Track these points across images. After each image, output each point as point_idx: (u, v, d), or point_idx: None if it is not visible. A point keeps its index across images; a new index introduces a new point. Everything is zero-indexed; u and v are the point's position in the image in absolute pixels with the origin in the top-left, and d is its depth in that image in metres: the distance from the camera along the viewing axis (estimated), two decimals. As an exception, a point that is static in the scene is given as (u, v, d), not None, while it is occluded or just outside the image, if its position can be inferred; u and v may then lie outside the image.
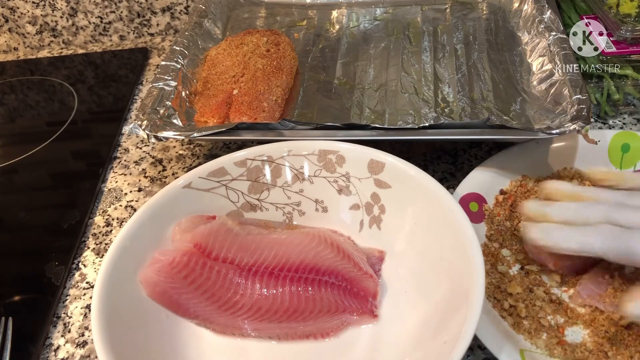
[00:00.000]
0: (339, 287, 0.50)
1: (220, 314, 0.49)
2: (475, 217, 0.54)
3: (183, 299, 0.49)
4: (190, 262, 0.50)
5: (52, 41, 0.95)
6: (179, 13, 0.92)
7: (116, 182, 0.68)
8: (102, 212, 0.65)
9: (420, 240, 0.50)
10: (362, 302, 0.50)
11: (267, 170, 0.55)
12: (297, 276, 0.50)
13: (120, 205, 0.65)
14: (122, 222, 0.63)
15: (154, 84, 0.66)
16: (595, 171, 0.52)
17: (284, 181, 0.56)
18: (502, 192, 0.57)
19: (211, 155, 0.69)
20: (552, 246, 0.47)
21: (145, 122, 0.60)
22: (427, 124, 0.57)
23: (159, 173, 0.69)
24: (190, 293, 0.49)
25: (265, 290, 0.49)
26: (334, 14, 0.83)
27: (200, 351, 0.48)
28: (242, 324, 0.49)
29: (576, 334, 0.46)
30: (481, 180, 0.56)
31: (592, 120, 0.66)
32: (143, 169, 0.70)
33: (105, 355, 0.41)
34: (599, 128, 0.67)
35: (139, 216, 0.50)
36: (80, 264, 0.59)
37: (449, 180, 0.62)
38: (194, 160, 0.70)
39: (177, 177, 0.54)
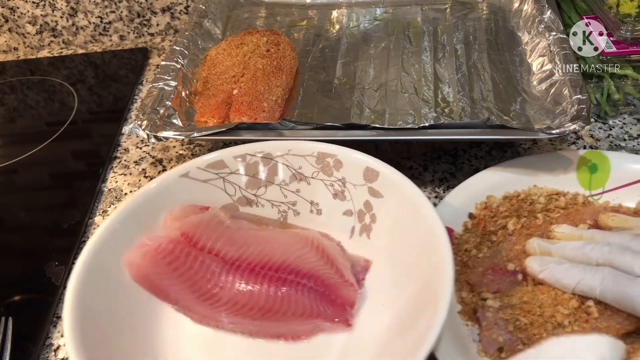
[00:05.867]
0: (316, 292, 0.49)
1: (200, 304, 0.50)
2: None
3: (165, 284, 0.50)
4: (175, 250, 0.50)
5: (52, 41, 0.95)
6: (179, 13, 0.92)
7: (116, 182, 0.68)
8: (102, 212, 0.65)
9: (404, 253, 0.49)
10: (338, 309, 0.49)
11: (266, 167, 0.55)
12: (277, 276, 0.50)
13: (120, 205, 0.65)
14: (122, 222, 0.63)
15: (154, 84, 0.66)
16: (615, 218, 0.51)
17: (282, 179, 0.56)
18: (470, 217, 0.56)
19: (211, 155, 0.69)
20: (550, 280, 0.46)
21: (145, 122, 0.60)
22: (427, 124, 0.57)
23: (159, 173, 0.69)
24: (172, 280, 0.50)
25: (244, 285, 0.49)
26: (334, 14, 0.83)
27: (177, 336, 0.49)
28: (219, 316, 0.49)
29: None
30: (448, 210, 0.55)
31: (592, 120, 0.66)
32: (143, 169, 0.70)
33: (71, 329, 0.42)
34: (599, 128, 0.67)
35: (133, 200, 0.51)
36: (80, 264, 0.59)
37: (449, 180, 0.62)
38: (194, 160, 0.70)
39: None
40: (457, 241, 0.54)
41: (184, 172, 0.54)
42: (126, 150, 0.73)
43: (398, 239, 0.50)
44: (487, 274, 0.50)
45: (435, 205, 0.56)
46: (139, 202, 0.51)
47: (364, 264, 0.52)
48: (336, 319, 0.48)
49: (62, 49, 0.95)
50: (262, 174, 0.55)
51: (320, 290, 0.49)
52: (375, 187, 0.52)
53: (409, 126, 0.58)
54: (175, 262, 0.50)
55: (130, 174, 0.69)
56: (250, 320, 0.49)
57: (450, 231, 0.54)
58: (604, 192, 0.56)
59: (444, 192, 0.61)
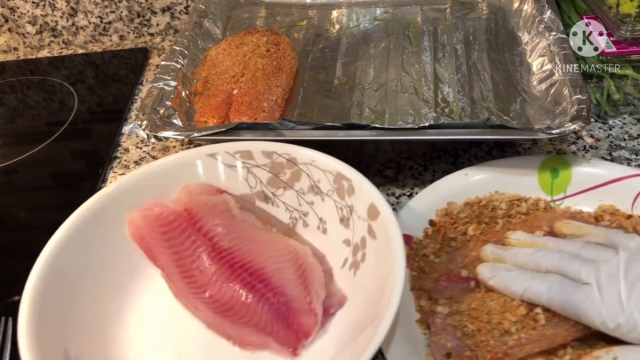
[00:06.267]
0: (277, 311, 0.49)
1: (179, 279, 0.51)
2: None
3: (156, 250, 0.52)
4: (173, 223, 0.53)
5: (52, 41, 0.95)
6: (179, 13, 0.92)
7: (116, 182, 0.68)
8: (102, 212, 0.65)
9: (372, 297, 0.47)
10: (291, 335, 0.48)
11: (289, 171, 0.55)
12: (248, 280, 0.50)
13: (120, 205, 0.65)
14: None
15: (154, 84, 0.66)
16: (569, 225, 0.51)
17: (301, 187, 0.55)
18: (431, 224, 0.56)
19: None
20: (500, 287, 0.46)
21: (145, 122, 0.60)
22: (427, 124, 0.57)
23: (159, 173, 0.69)
24: (163, 248, 0.52)
25: (218, 278, 0.50)
26: (334, 14, 0.83)
27: (152, 300, 0.52)
28: (190, 296, 0.51)
29: None
30: (410, 217, 0.55)
31: (592, 120, 0.66)
32: (143, 169, 0.70)
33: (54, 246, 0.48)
34: (599, 128, 0.67)
35: (157, 165, 0.55)
36: (80, 264, 0.59)
37: (449, 180, 0.62)
38: (194, 160, 0.70)
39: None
40: (416, 246, 0.53)
41: (212, 152, 0.55)
42: (126, 150, 0.73)
43: (373, 282, 0.48)
44: (440, 280, 0.50)
45: (396, 211, 0.57)
46: (161, 168, 0.55)
47: (340, 300, 0.50)
48: (285, 344, 0.47)
49: (62, 49, 0.95)
50: (285, 175, 0.55)
51: (281, 310, 0.49)
52: (374, 227, 0.50)
53: (409, 126, 0.58)
54: (170, 233, 0.52)
55: (130, 174, 0.69)
56: (210, 312, 0.50)
57: (409, 237, 0.54)
58: (565, 197, 0.56)
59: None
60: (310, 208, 0.55)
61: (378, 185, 0.63)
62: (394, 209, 0.59)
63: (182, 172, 0.55)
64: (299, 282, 0.50)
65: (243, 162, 0.56)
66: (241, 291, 0.49)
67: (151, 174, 0.55)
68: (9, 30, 0.93)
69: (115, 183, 0.53)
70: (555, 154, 0.62)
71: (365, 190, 0.51)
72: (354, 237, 0.52)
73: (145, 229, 0.53)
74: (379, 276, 0.47)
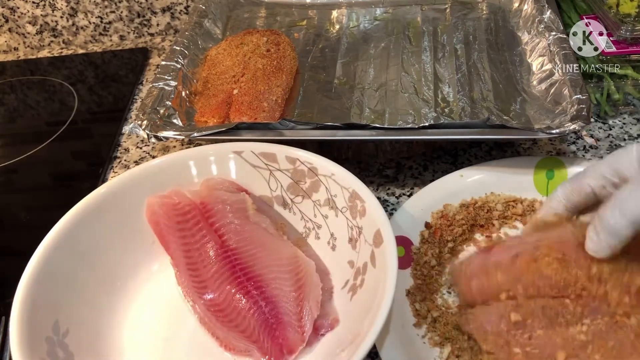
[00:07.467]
0: (266, 321, 0.48)
1: (184, 270, 0.52)
2: (401, 262, 0.51)
3: (168, 237, 0.54)
4: (188, 215, 0.54)
5: (52, 41, 0.95)
6: (179, 13, 0.92)
7: (116, 182, 0.68)
8: (102, 212, 0.65)
9: (357, 330, 0.45)
10: (275, 348, 0.47)
11: (310, 180, 0.55)
12: (245, 284, 0.50)
13: (120, 205, 0.65)
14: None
15: (154, 84, 0.66)
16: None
17: (318, 198, 0.55)
18: (427, 226, 0.55)
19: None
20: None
21: (145, 122, 0.61)
22: (427, 124, 0.57)
23: (159, 173, 0.69)
24: (174, 237, 0.53)
25: (220, 279, 0.50)
26: (334, 14, 0.83)
27: (159, 284, 0.54)
28: (191, 289, 0.51)
29: None
30: (405, 219, 0.55)
31: (592, 120, 0.66)
32: (143, 169, 0.70)
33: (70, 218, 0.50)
34: (599, 128, 0.67)
35: (182, 154, 0.56)
36: (80, 263, 0.59)
37: (449, 180, 0.62)
38: (194, 160, 0.70)
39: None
40: (416, 256, 0.53)
41: (238, 150, 0.56)
42: (126, 150, 0.73)
43: (363, 310, 0.46)
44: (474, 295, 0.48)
45: (391, 214, 0.57)
46: (187, 157, 0.56)
47: (332, 322, 0.49)
48: (269, 356, 0.47)
49: (62, 49, 0.95)
50: (305, 184, 0.55)
51: (270, 321, 0.48)
52: (376, 254, 0.48)
53: (409, 126, 0.58)
54: (183, 224, 0.53)
55: (130, 173, 0.69)
56: (204, 309, 0.50)
57: (406, 240, 0.54)
58: None
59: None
60: (324, 221, 0.55)
61: (378, 185, 0.63)
62: (393, 209, 0.60)
63: (206, 164, 0.56)
64: (293, 296, 0.49)
65: (266, 165, 0.56)
66: (236, 295, 0.49)
67: (183, 160, 0.56)
68: (9, 30, 0.93)
69: (144, 165, 0.55)
70: (552, 155, 0.62)
71: (375, 215, 0.49)
72: (358, 260, 0.51)
73: (161, 215, 0.54)
74: (368, 306, 0.45)
